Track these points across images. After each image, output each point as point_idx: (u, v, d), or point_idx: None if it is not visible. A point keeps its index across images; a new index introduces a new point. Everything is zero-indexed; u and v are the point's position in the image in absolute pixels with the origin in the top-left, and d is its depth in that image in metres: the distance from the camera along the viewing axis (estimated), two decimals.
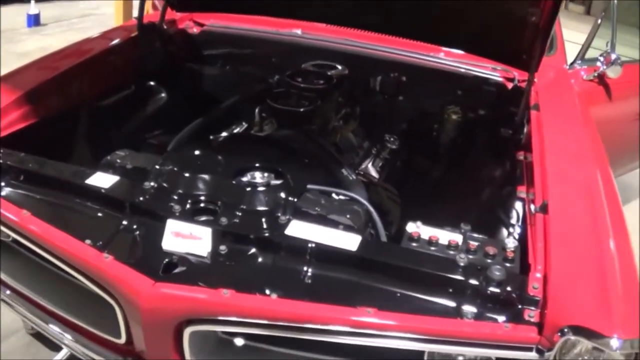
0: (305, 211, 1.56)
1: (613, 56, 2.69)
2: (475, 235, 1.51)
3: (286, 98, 2.24)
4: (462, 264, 1.38)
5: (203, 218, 1.54)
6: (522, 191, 1.76)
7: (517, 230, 1.63)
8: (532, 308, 1.28)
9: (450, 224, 1.55)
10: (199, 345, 1.42)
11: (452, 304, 1.34)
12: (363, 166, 2.23)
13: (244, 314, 1.31)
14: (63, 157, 1.87)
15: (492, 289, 1.31)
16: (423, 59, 2.45)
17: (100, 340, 1.61)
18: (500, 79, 2.36)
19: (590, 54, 2.75)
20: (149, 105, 2.43)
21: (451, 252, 1.45)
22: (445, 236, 1.50)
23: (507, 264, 1.41)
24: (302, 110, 2.18)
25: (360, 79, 2.60)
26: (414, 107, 2.55)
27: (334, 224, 1.53)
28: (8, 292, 1.82)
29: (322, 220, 1.54)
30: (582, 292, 1.28)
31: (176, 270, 1.42)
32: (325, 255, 1.43)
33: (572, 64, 2.69)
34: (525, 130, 2.05)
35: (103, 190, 1.61)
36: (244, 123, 2.44)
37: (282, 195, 1.59)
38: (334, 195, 1.67)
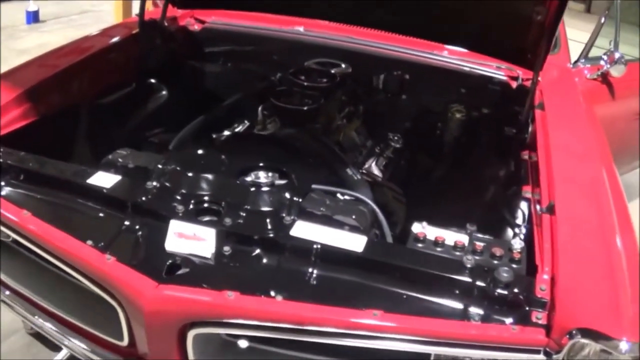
0: (310, 212, 1.55)
1: (617, 55, 2.68)
2: (481, 235, 1.50)
3: (289, 96, 2.23)
4: (469, 266, 1.36)
5: (206, 218, 1.53)
6: (527, 191, 1.75)
7: (523, 230, 1.61)
8: (540, 310, 1.27)
9: (454, 223, 1.53)
10: (202, 347, 1.41)
11: (458, 305, 1.33)
12: (366, 165, 2.22)
13: (249, 316, 1.30)
14: (63, 156, 1.86)
15: (499, 290, 1.30)
16: (427, 57, 2.43)
17: (102, 342, 1.59)
18: (504, 78, 2.35)
19: (592, 52, 2.74)
20: (150, 103, 2.42)
21: (457, 253, 1.43)
22: (451, 237, 1.48)
23: (514, 265, 1.40)
24: (305, 108, 2.16)
25: (363, 77, 2.58)
26: (418, 106, 2.54)
27: (340, 225, 1.52)
28: (7, 292, 1.80)
29: (327, 220, 1.53)
30: (591, 294, 1.27)
31: (179, 272, 1.40)
32: (331, 256, 1.41)
33: (575, 62, 2.68)
34: (530, 129, 2.03)
35: (105, 190, 1.60)
36: (246, 121, 2.43)
37: (287, 195, 1.57)
38: (339, 195, 1.65)
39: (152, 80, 2.42)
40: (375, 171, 2.23)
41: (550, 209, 1.51)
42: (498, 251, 1.43)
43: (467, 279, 1.33)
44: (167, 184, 1.60)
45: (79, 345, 1.65)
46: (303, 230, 1.47)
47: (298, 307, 1.28)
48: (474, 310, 1.31)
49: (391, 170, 2.28)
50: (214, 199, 1.56)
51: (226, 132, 2.34)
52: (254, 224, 1.49)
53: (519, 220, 1.68)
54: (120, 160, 1.77)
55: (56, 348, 2.15)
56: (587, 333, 1.17)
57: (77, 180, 1.63)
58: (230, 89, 2.56)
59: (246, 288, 1.32)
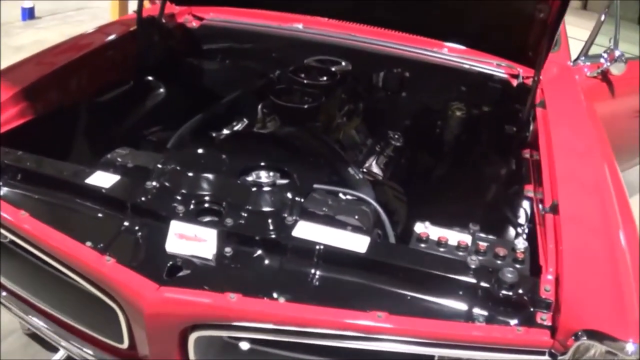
0: (312, 212, 1.53)
1: (617, 53, 2.67)
2: (484, 235, 1.49)
3: (289, 94, 2.21)
4: (473, 267, 1.35)
5: (207, 219, 1.51)
6: (529, 190, 1.74)
7: (525, 230, 1.60)
8: (545, 311, 1.26)
9: (456, 222, 1.52)
10: (204, 349, 1.39)
11: (463, 307, 1.32)
12: (367, 164, 2.20)
13: (252, 319, 1.28)
14: (61, 154, 1.84)
15: (504, 291, 1.28)
16: (427, 55, 2.42)
17: (101, 344, 1.58)
18: (505, 76, 2.34)
19: (591, 50, 2.73)
20: (148, 100, 2.39)
21: (461, 254, 1.42)
22: (454, 237, 1.47)
23: (517, 265, 1.39)
24: (306, 107, 2.14)
25: (362, 75, 2.56)
26: (418, 104, 2.52)
27: (342, 225, 1.51)
28: (4, 293, 1.78)
29: (329, 221, 1.51)
30: (596, 295, 1.26)
31: (181, 274, 1.39)
32: (334, 257, 1.40)
33: (575, 60, 2.66)
34: (531, 127, 2.02)
35: (103, 190, 1.57)
36: (244, 119, 2.41)
37: (289, 195, 1.56)
38: (341, 195, 1.64)
39: (150, 78, 2.40)
40: (376, 170, 2.21)
41: (554, 209, 1.50)
42: (501, 251, 1.41)
43: (472, 280, 1.32)
44: (167, 184, 1.58)
45: (78, 348, 1.63)
46: (305, 230, 1.46)
47: (302, 309, 1.27)
48: (478, 311, 1.30)
49: (391, 169, 2.27)
50: (215, 199, 1.54)
51: (225, 131, 2.32)
52: (256, 224, 1.48)
53: (521, 220, 1.67)
54: (119, 159, 1.75)
55: (54, 348, 2.13)
56: (593, 335, 1.16)
57: (75, 180, 1.61)
58: (229, 86, 2.54)
59: (248, 290, 1.30)
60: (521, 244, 1.44)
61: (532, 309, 1.27)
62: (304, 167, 1.71)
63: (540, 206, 1.59)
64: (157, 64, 2.41)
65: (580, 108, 2.16)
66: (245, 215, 1.49)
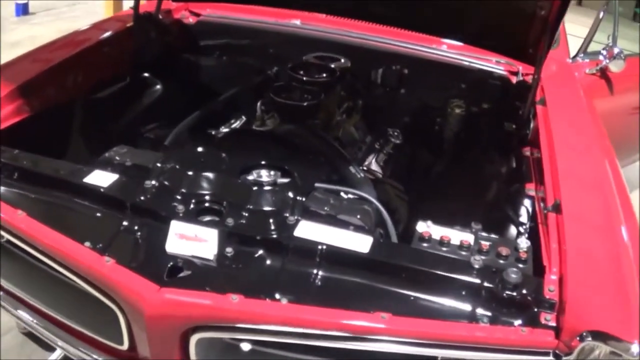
0: (314, 211, 1.52)
1: (616, 50, 2.66)
2: (486, 234, 1.48)
3: (289, 92, 2.19)
4: (477, 267, 1.34)
5: (208, 219, 1.49)
6: (530, 189, 1.73)
7: (527, 229, 1.59)
8: (549, 311, 1.26)
9: (457, 221, 1.51)
10: (205, 350, 1.38)
11: (466, 307, 1.31)
12: (367, 162, 2.19)
13: (254, 320, 1.27)
14: (58, 152, 1.81)
15: (508, 292, 1.28)
16: (426, 52, 2.41)
17: (101, 346, 1.56)
18: (504, 73, 2.33)
19: (590, 47, 2.72)
20: (145, 97, 2.37)
21: (463, 253, 1.41)
22: (456, 236, 1.46)
23: (520, 265, 1.38)
24: (305, 104, 2.12)
25: (361, 72, 2.55)
26: (417, 101, 2.51)
27: (344, 225, 1.49)
28: (2, 293, 1.76)
29: (331, 220, 1.50)
30: (600, 295, 1.25)
31: (181, 275, 1.37)
32: (336, 257, 1.38)
33: (574, 57, 2.66)
34: (531, 125, 2.01)
35: (102, 190, 1.55)
36: (243, 117, 2.39)
37: (290, 194, 1.54)
38: (342, 194, 1.62)
39: (147, 75, 2.37)
40: (375, 167, 2.20)
41: (557, 208, 1.49)
42: (504, 251, 1.40)
43: (476, 280, 1.31)
44: (167, 183, 1.55)
45: (77, 349, 1.61)
46: (307, 230, 1.44)
47: (304, 310, 1.26)
48: (482, 312, 1.29)
49: (391, 167, 2.25)
50: (215, 198, 1.52)
51: (223, 128, 2.29)
52: (257, 224, 1.46)
53: (523, 219, 1.66)
54: (117, 158, 1.73)
55: (51, 347, 2.12)
56: (598, 335, 1.15)
57: (73, 179, 1.59)
58: (226, 83, 2.51)
59: (250, 291, 1.29)
60: (524, 243, 1.43)
61: (536, 310, 1.26)
62: (304, 165, 1.70)
63: (542, 205, 1.58)
64: (154, 61, 2.39)
65: (581, 105, 2.15)
66: (247, 214, 1.48)
